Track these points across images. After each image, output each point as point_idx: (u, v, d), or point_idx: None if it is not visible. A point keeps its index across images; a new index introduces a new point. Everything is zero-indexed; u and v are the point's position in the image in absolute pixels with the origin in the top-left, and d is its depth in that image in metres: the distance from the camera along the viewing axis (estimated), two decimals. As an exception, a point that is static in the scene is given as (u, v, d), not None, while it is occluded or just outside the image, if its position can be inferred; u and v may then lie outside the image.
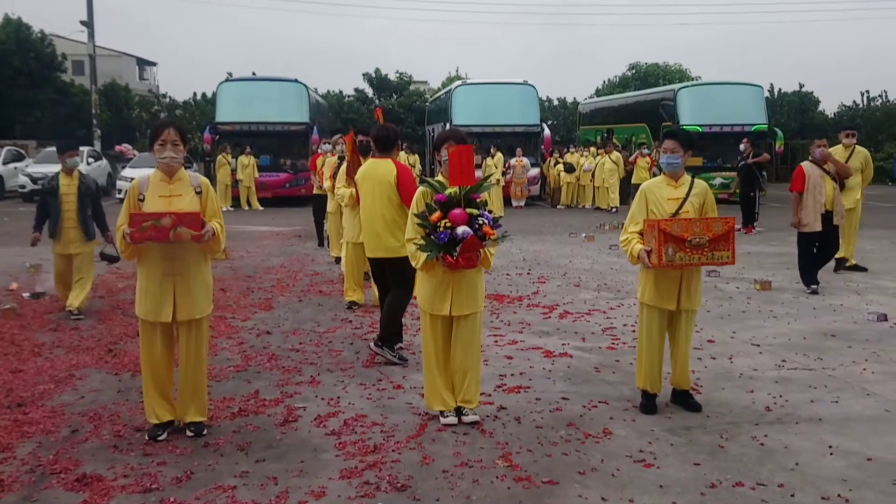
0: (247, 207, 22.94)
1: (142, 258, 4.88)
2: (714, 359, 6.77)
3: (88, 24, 30.95)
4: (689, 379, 5.59)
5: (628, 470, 4.46)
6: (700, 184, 5.49)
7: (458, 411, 5.23)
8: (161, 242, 4.73)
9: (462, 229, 4.86)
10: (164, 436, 4.90)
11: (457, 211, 4.92)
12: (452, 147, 5.07)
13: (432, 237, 4.96)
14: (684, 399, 5.52)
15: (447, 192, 5.02)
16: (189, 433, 4.96)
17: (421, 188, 5.28)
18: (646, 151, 21.58)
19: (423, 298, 5.26)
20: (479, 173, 5.17)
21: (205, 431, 4.98)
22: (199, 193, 4.96)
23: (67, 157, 8.39)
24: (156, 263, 4.84)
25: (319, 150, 13.36)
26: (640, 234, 5.34)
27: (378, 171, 6.89)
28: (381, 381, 6.17)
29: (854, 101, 40.97)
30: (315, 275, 11.19)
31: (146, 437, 4.88)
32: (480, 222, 4.93)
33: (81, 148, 27.29)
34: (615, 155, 22.91)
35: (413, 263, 5.21)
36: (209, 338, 7.34)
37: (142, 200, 4.84)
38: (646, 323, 5.48)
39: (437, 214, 4.96)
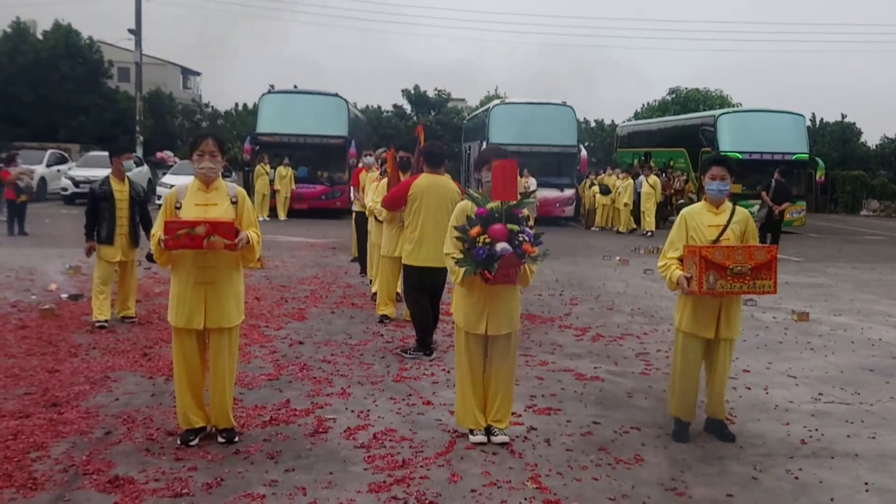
0: (283, 217, 23.08)
1: (175, 266, 4.95)
2: (749, 389, 6.68)
3: (136, 32, 31.56)
4: (724, 409, 5.51)
5: (659, 498, 4.40)
6: (741, 211, 5.42)
7: (488, 431, 5.19)
8: (195, 250, 4.78)
9: (501, 246, 4.79)
10: (196, 441, 4.94)
11: (497, 226, 4.86)
12: (496, 162, 5.04)
13: (471, 252, 4.91)
14: (718, 428, 5.44)
15: (489, 206, 4.99)
16: (220, 440, 4.98)
17: (462, 202, 5.28)
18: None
19: (459, 316, 5.23)
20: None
21: (236, 438, 5.01)
22: (234, 203, 5.01)
23: (124, 160, 8.35)
24: (188, 271, 4.89)
25: (362, 164, 13.09)
26: (680, 259, 5.28)
27: (442, 185, 7.41)
28: (410, 396, 6.17)
29: (897, 133, 40.48)
30: (348, 287, 11.24)
31: (178, 442, 4.92)
32: (521, 239, 4.86)
33: (123, 153, 27.93)
34: (652, 178, 22.80)
35: (451, 278, 5.20)
36: (242, 346, 7.44)
37: (178, 208, 4.92)
38: (681, 350, 5.41)
39: (476, 229, 4.90)
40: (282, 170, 23.09)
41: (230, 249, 4.79)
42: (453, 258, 5.08)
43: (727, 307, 5.28)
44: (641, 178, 24.76)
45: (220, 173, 5.05)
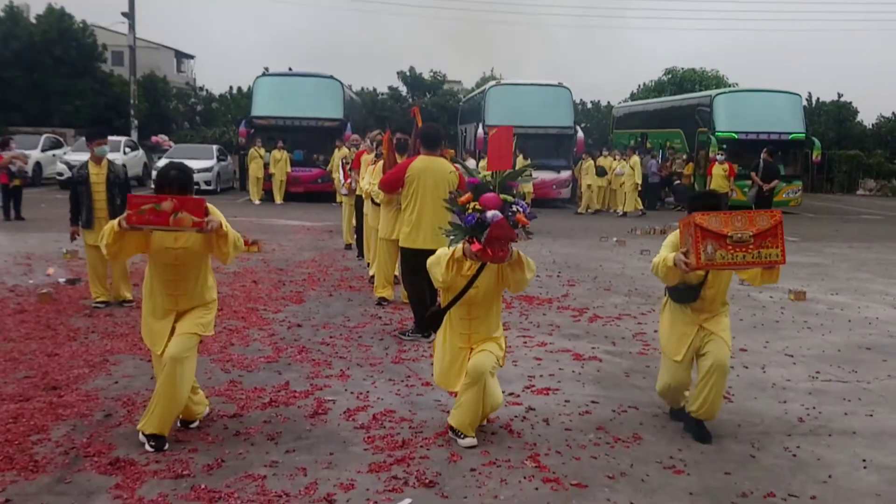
0: (279, 201, 23.02)
1: (146, 292, 4.78)
2: (747, 368, 6.71)
3: (129, 15, 31.36)
4: (711, 414, 5.05)
5: (658, 476, 4.43)
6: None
7: (454, 430, 4.86)
8: (161, 229, 4.46)
9: (492, 213, 4.51)
10: (196, 423, 4.95)
11: (489, 195, 4.59)
12: (493, 130, 4.93)
13: (460, 221, 4.65)
14: (696, 428, 5.08)
15: (481, 175, 4.78)
16: (149, 446, 4.58)
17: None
18: (721, 157, 20.84)
19: (437, 375, 5.03)
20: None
21: (165, 446, 4.59)
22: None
23: (95, 146, 8.27)
24: (159, 300, 4.73)
25: (364, 147, 12.80)
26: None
27: (439, 166, 7.34)
28: (409, 377, 6.18)
29: (893, 113, 40.40)
30: (346, 270, 11.23)
31: (178, 424, 4.92)
32: (514, 210, 4.58)
33: (119, 138, 27.76)
34: (633, 160, 23.03)
35: (434, 280, 4.88)
36: (240, 328, 7.44)
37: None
38: (664, 362, 5.27)
39: (467, 196, 4.64)
40: (276, 153, 22.99)
41: (198, 227, 4.43)
42: (442, 231, 4.79)
43: (709, 320, 5.01)
44: (636, 158, 24.88)
45: None
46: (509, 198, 4.64)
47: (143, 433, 4.62)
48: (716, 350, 4.97)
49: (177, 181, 4.58)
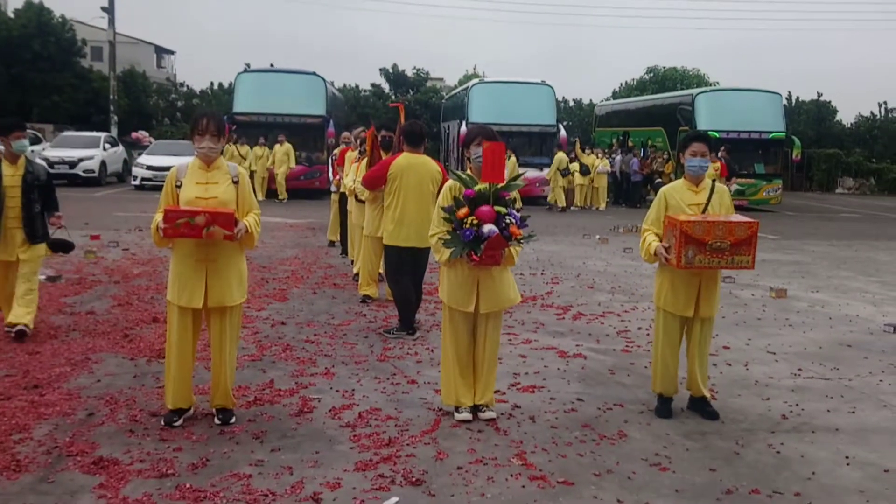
0: (261, 197, 22.91)
1: (176, 243, 4.91)
2: (729, 365, 6.75)
3: (109, 10, 31.14)
4: (706, 386, 5.52)
5: (644, 473, 4.45)
6: (720, 188, 5.43)
7: (475, 408, 5.23)
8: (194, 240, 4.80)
9: (488, 228, 4.79)
10: (180, 422, 4.92)
11: (485, 208, 4.86)
12: (486, 144, 5.03)
13: (458, 233, 4.91)
14: (701, 406, 5.47)
15: (477, 188, 4.98)
16: (217, 420, 4.97)
17: (449, 182, 5.25)
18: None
19: (448, 294, 5.21)
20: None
21: (233, 419, 5.00)
22: (235, 183, 4.99)
23: (13, 140, 6.72)
24: (190, 249, 4.87)
25: (350, 144, 12.56)
26: (658, 235, 5.31)
27: (422, 164, 7.36)
28: (395, 375, 6.17)
29: (871, 112, 40.84)
30: (329, 267, 11.20)
31: (162, 423, 4.90)
32: (507, 221, 4.87)
33: (98, 134, 27.46)
34: (558, 156, 23.46)
35: (437, 258, 5.19)
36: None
37: (179, 187, 4.89)
38: (662, 327, 5.45)
39: (464, 210, 4.90)
40: (258, 150, 22.84)
41: (229, 240, 4.79)
42: (440, 238, 5.06)
43: (707, 286, 5.29)
44: (619, 156, 25.16)
45: (220, 153, 5.02)
46: (503, 210, 4.91)
47: (214, 409, 5.05)
48: (700, 338, 5.40)
49: (210, 115, 4.98)
